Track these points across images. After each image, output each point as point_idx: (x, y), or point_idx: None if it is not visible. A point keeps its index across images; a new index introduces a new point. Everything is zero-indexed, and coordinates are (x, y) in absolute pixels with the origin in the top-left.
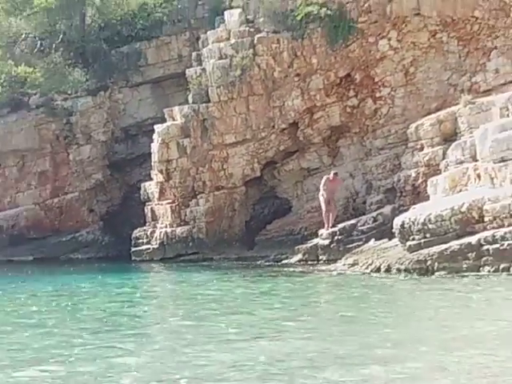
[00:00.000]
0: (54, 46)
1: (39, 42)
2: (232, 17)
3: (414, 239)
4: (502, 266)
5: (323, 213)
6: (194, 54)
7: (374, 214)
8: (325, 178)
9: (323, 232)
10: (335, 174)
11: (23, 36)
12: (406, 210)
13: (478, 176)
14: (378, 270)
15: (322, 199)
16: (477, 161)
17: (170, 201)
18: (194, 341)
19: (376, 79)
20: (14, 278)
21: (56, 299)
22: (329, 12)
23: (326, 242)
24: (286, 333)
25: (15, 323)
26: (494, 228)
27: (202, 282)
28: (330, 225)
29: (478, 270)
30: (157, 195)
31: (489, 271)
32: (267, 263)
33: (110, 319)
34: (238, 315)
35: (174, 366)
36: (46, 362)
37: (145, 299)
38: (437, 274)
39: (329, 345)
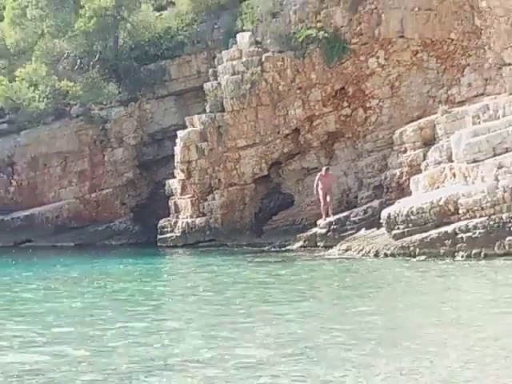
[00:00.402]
0: (91, 63)
1: (79, 60)
2: (243, 39)
3: (398, 228)
4: (473, 251)
5: (321, 206)
6: (210, 70)
7: (365, 207)
8: (318, 174)
9: (321, 222)
10: (327, 169)
11: (65, 55)
12: (391, 204)
13: (454, 175)
14: (367, 254)
15: (320, 193)
16: (452, 162)
17: (191, 195)
18: (220, 316)
19: (366, 92)
20: (61, 261)
21: (98, 280)
22: (326, 35)
23: (324, 230)
24: (289, 315)
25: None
26: (467, 219)
27: (218, 264)
28: (330, 214)
29: (453, 255)
30: (179, 191)
31: (462, 256)
32: (273, 249)
33: (140, 297)
34: (251, 300)
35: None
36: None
37: (170, 278)
38: (418, 258)
39: (327, 323)
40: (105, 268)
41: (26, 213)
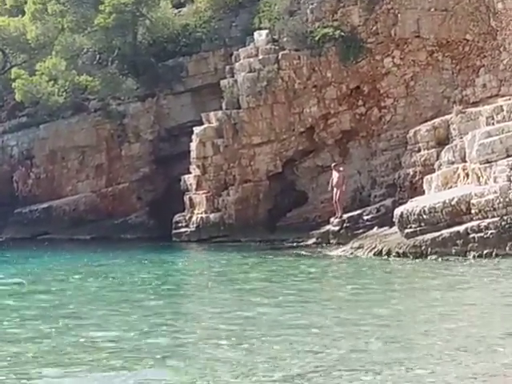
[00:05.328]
0: (110, 59)
1: (98, 56)
2: (260, 36)
3: (410, 227)
4: (485, 251)
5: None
6: (227, 67)
7: (377, 205)
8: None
9: (333, 220)
10: (335, 165)
11: (85, 50)
12: (404, 203)
13: (467, 175)
14: (379, 253)
15: (334, 190)
16: (466, 162)
17: (206, 191)
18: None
19: (381, 91)
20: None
21: (128, 271)
22: (342, 34)
23: (337, 228)
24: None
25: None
26: (479, 219)
27: (233, 258)
28: (337, 212)
29: (465, 255)
30: (194, 186)
31: (474, 256)
32: (286, 245)
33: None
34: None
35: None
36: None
37: (186, 270)
38: (429, 257)
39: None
40: (132, 259)
41: (44, 205)
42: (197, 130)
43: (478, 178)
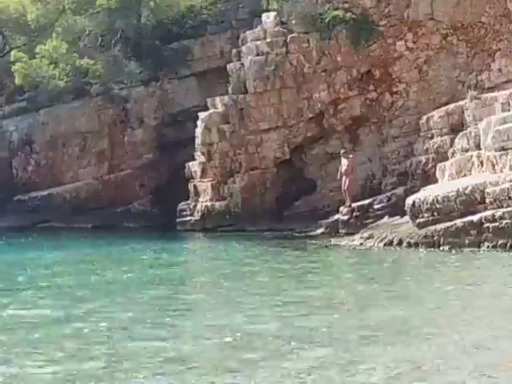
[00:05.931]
0: (113, 41)
1: (100, 38)
2: (268, 19)
3: (423, 217)
4: (500, 242)
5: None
6: (234, 50)
7: (389, 194)
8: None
9: (343, 209)
10: (344, 152)
11: (86, 32)
12: (416, 191)
13: (481, 163)
14: (390, 243)
15: (343, 178)
16: (480, 149)
17: (211, 179)
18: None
19: (393, 76)
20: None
21: (139, 260)
22: (353, 16)
23: (346, 217)
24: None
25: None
26: (493, 208)
27: (238, 247)
28: (346, 201)
29: (479, 246)
30: (199, 174)
31: (488, 247)
32: (294, 234)
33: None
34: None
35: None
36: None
37: (191, 261)
38: (442, 247)
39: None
40: (137, 249)
41: (44, 193)
42: (202, 115)
43: (493, 165)
